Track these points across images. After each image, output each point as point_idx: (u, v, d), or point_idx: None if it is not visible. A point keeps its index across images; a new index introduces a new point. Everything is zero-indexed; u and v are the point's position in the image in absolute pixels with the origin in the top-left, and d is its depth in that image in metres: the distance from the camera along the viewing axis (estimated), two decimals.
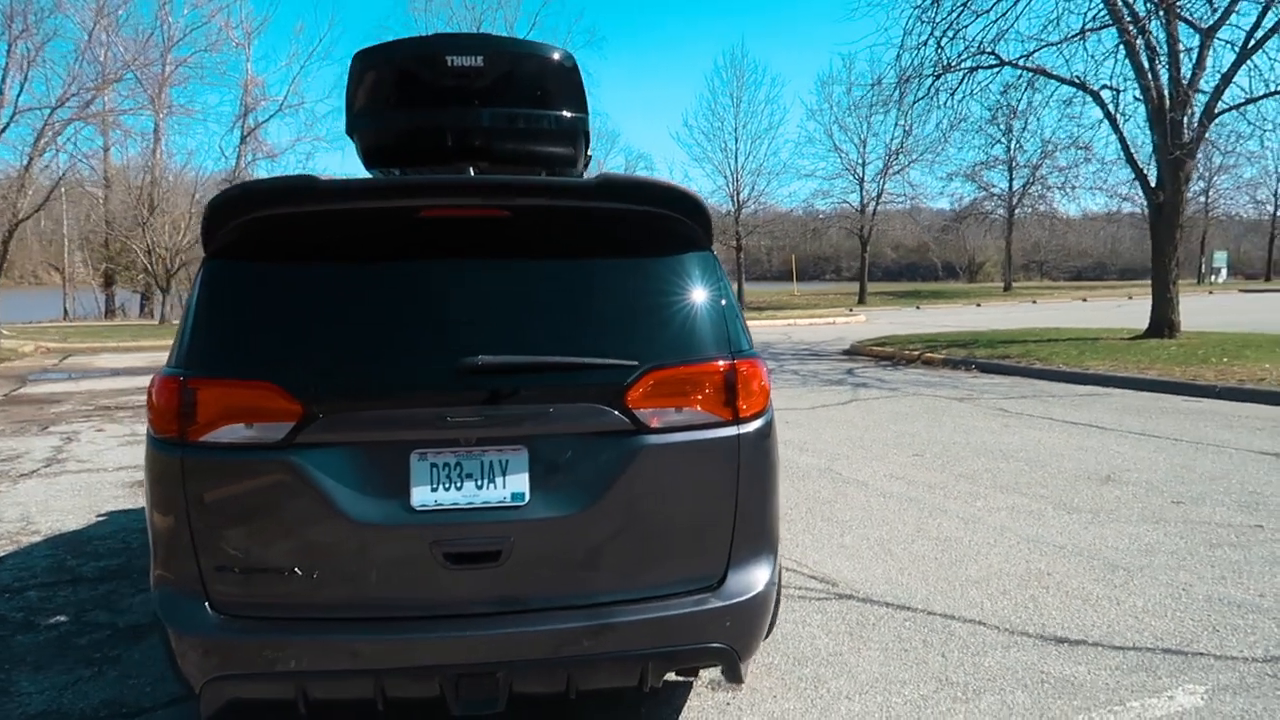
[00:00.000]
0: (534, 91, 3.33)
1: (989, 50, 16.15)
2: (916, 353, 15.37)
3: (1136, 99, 15.15)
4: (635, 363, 2.64)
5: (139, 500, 6.23)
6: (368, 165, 3.43)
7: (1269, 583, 4.30)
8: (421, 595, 2.55)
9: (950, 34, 15.98)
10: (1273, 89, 14.32)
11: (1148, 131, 15.31)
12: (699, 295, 2.77)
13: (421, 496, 2.53)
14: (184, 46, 35.24)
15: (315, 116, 74.32)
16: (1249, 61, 14.28)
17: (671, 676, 2.82)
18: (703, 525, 2.69)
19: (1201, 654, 3.54)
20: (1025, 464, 7.00)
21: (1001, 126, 34.59)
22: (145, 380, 14.38)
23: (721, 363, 2.71)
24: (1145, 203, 16.97)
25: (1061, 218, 53.42)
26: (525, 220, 2.73)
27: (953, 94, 16.80)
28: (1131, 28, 14.33)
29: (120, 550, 5.08)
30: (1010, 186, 48.51)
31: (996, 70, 16.66)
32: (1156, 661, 3.48)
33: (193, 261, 35.28)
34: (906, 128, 17.37)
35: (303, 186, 2.59)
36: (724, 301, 2.82)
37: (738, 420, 2.72)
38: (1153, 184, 15.50)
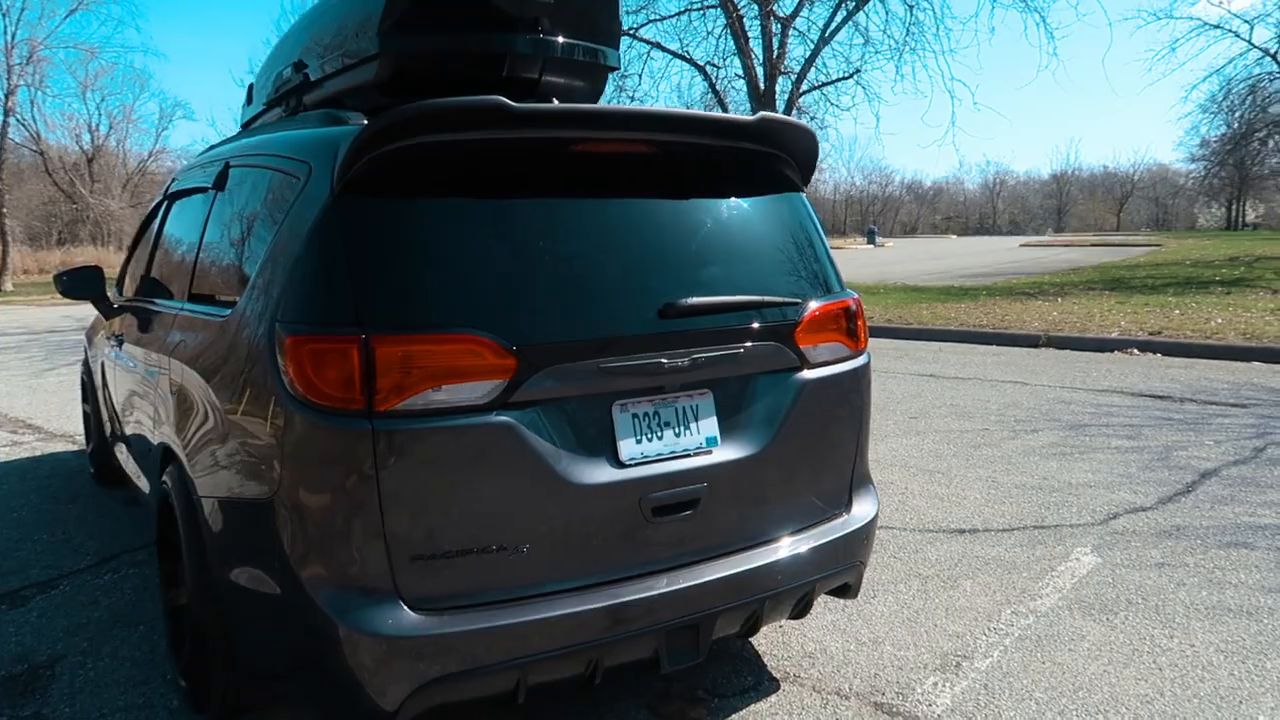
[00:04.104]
0: (590, 22, 3.10)
1: None
2: None
3: (739, 76, 17.16)
4: (799, 300, 2.70)
5: None
6: (387, 92, 2.93)
7: (1036, 469, 5.45)
8: (629, 553, 2.40)
9: None
10: (839, 76, 17.13)
11: (749, 106, 17.41)
12: (816, 237, 2.89)
13: (629, 450, 2.38)
14: None
15: None
16: (823, 52, 16.90)
17: None
18: (840, 452, 2.85)
19: (1058, 526, 4.45)
20: None
21: None
22: None
23: (849, 299, 2.87)
24: None
25: None
26: (692, 156, 2.64)
27: None
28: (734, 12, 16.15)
29: None
30: None
31: None
32: (1039, 536, 4.31)
33: None
34: None
35: (493, 109, 2.24)
36: (827, 243, 2.96)
37: (859, 352, 2.90)
38: None
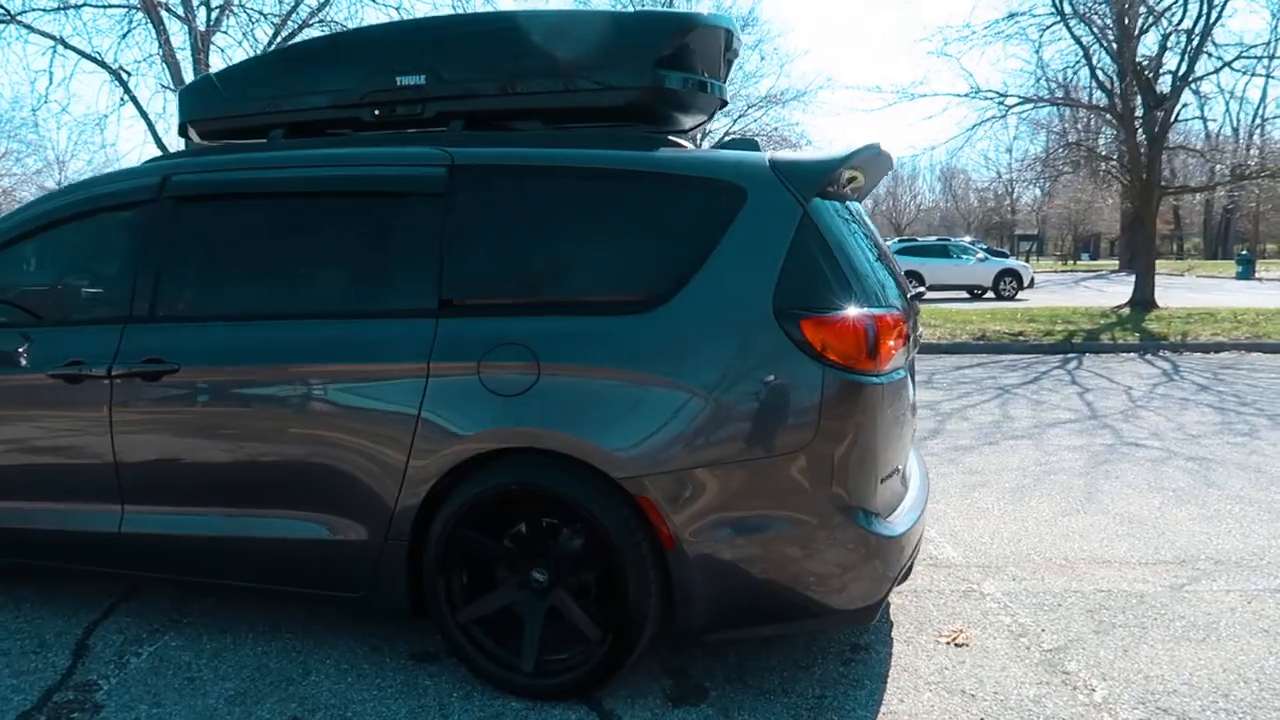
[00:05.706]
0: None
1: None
2: None
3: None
4: None
5: None
6: (620, 119, 3.18)
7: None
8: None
9: None
10: None
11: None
12: None
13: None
14: None
15: None
16: None
17: None
18: None
19: None
20: None
21: None
22: None
23: None
24: None
25: None
26: None
27: None
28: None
29: None
30: None
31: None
32: None
33: None
34: None
35: (876, 152, 3.00)
36: None
37: None
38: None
